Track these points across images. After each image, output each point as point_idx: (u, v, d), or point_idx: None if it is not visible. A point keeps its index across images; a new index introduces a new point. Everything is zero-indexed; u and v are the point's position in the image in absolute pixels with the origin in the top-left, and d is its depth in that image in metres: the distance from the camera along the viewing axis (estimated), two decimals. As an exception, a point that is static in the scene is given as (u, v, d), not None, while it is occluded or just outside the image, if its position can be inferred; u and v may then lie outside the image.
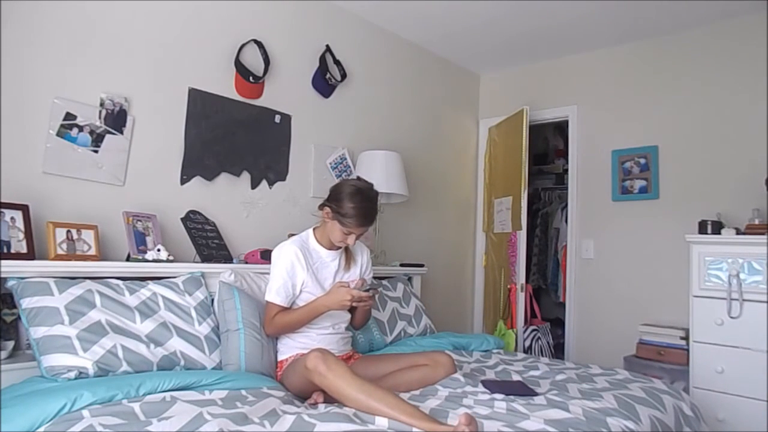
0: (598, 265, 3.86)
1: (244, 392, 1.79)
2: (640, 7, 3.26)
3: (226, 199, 2.77)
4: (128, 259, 2.24)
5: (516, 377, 2.27)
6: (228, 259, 2.55)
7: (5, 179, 2.05)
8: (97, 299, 1.92)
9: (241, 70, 2.80)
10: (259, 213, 2.91)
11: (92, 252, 2.11)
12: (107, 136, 2.33)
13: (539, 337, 3.96)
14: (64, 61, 2.23)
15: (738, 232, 2.92)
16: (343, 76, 3.30)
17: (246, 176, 2.87)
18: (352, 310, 2.28)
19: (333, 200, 2.17)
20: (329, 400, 1.85)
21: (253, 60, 2.87)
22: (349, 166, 3.34)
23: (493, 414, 1.71)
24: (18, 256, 1.94)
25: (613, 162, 3.78)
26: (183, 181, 2.61)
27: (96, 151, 2.30)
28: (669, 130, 3.58)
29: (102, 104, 2.32)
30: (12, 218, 1.97)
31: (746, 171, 3.23)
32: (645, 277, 3.62)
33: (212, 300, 2.28)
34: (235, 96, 2.80)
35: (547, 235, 5.08)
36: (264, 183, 2.95)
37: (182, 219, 2.51)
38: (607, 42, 3.79)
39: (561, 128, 4.93)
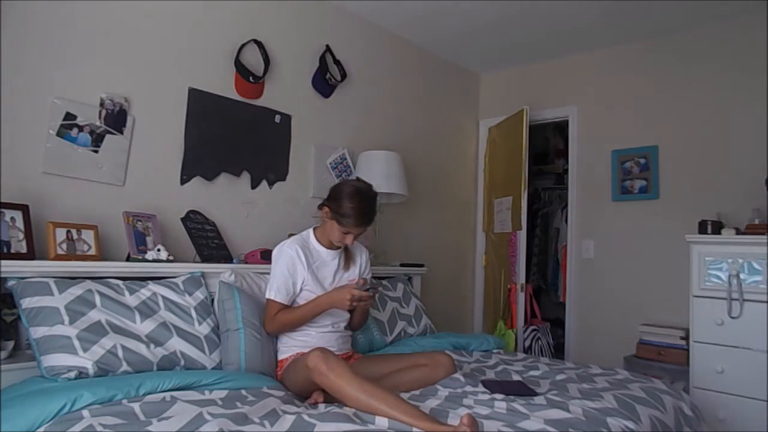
0: (598, 265, 3.86)
1: (244, 392, 1.79)
2: (640, 7, 3.26)
3: (226, 199, 2.77)
4: (128, 259, 2.24)
5: (516, 377, 2.26)
6: (228, 259, 2.55)
7: (5, 179, 2.05)
8: (97, 299, 1.92)
9: (241, 70, 2.80)
10: (259, 213, 2.91)
11: (92, 252, 2.11)
12: (107, 136, 2.33)
13: (539, 337, 3.96)
14: (64, 61, 2.22)
15: (738, 232, 2.92)
16: (343, 76, 3.30)
17: (246, 176, 2.87)
18: (351, 310, 2.28)
19: (332, 200, 2.18)
20: (329, 399, 1.85)
21: (253, 60, 2.87)
22: (349, 166, 3.34)
23: (493, 414, 1.71)
24: (18, 256, 1.94)
25: (613, 162, 3.78)
26: (183, 181, 2.61)
27: (96, 151, 2.30)
28: (669, 130, 3.58)
29: (102, 104, 2.31)
30: (12, 218, 1.97)
31: (746, 171, 3.23)
32: (645, 277, 3.62)
33: (212, 300, 2.28)
34: (235, 96, 2.80)
35: (547, 235, 5.08)
36: (264, 183, 2.95)
37: (182, 219, 2.52)
38: (607, 42, 3.79)
39: (561, 128, 4.93)
